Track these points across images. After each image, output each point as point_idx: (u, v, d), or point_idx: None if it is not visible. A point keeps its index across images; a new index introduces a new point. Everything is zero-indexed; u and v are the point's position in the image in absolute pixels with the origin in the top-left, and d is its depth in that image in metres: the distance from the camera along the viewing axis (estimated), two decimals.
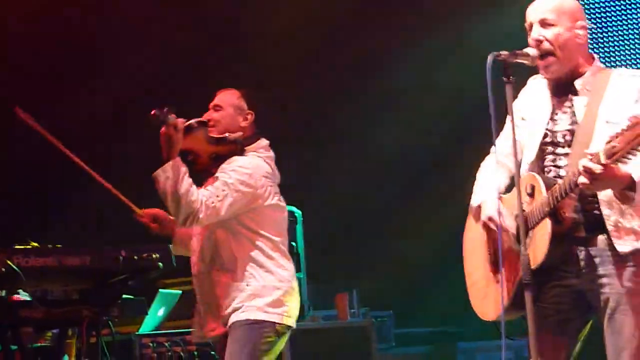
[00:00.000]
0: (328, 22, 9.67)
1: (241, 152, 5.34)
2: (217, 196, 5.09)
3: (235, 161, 5.27)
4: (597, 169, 4.01)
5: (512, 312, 4.43)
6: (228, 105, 5.35)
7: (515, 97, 4.48)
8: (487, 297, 4.67)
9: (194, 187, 5.07)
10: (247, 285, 5.28)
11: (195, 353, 6.30)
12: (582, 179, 4.05)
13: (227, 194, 5.13)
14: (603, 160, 3.99)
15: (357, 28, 9.82)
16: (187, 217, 5.05)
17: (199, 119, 5.33)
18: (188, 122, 5.23)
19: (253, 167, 5.23)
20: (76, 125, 9.26)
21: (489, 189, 4.64)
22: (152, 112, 5.08)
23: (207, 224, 5.20)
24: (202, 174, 5.25)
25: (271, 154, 5.34)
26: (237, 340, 5.26)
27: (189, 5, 10.06)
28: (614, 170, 4.08)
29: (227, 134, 5.32)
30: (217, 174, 5.24)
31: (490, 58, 4.31)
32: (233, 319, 5.26)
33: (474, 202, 4.69)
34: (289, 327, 5.35)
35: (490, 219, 4.50)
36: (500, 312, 4.36)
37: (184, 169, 5.09)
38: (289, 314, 5.32)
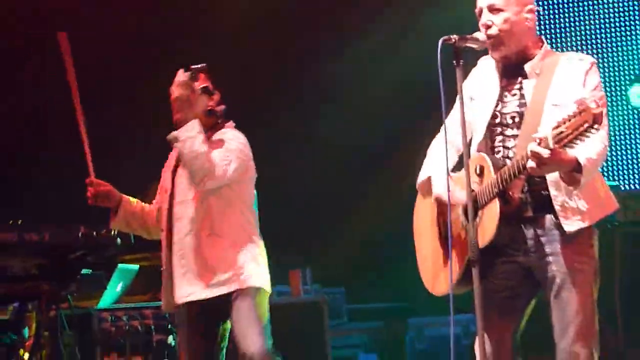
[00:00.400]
0: (280, 13, 9.55)
1: (222, 126, 5.44)
2: (224, 160, 5.17)
3: (229, 132, 5.36)
4: (545, 153, 4.05)
5: (461, 287, 4.45)
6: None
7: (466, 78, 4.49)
8: (437, 272, 4.66)
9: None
10: (240, 252, 5.35)
11: (152, 327, 6.28)
12: (531, 163, 4.09)
13: (232, 159, 5.22)
14: (551, 145, 4.03)
15: (309, 16, 9.69)
16: (204, 175, 5.11)
17: (203, 84, 5.37)
18: (203, 85, 5.33)
19: (244, 140, 5.34)
20: None
21: (437, 165, 4.66)
22: (192, 66, 5.17)
23: (216, 185, 5.24)
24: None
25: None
26: (243, 305, 5.32)
27: None
28: (561, 155, 4.11)
29: (216, 108, 5.41)
30: (215, 138, 5.33)
31: (440, 42, 4.32)
32: (234, 285, 5.31)
33: (422, 176, 4.72)
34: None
35: (438, 197, 4.54)
36: (449, 287, 4.39)
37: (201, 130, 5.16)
38: (269, 283, 5.45)
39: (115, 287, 6.40)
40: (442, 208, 4.58)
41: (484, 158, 4.45)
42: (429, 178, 4.64)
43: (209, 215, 5.31)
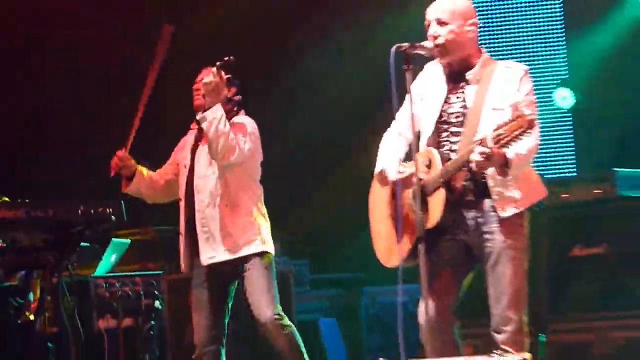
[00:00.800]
0: (254, 16, 9.28)
1: (237, 113, 5.54)
2: (241, 140, 5.30)
3: (243, 118, 5.49)
4: (486, 152, 4.11)
5: (410, 260, 4.47)
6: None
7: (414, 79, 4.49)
8: (389, 248, 4.67)
9: None
10: (252, 220, 5.48)
11: (141, 293, 6.26)
12: (475, 158, 4.16)
13: (247, 140, 5.33)
14: (490, 144, 4.08)
15: (280, 21, 9.46)
16: (227, 151, 5.21)
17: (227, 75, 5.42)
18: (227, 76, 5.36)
19: (255, 125, 5.47)
20: None
21: (390, 157, 4.66)
22: (226, 59, 5.20)
23: (236, 161, 5.34)
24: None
25: None
26: (255, 272, 5.43)
27: None
28: (498, 153, 4.16)
29: (233, 97, 5.54)
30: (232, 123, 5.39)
31: (393, 48, 4.35)
32: (249, 249, 5.43)
33: (377, 168, 4.70)
34: None
35: (393, 183, 4.54)
36: (399, 260, 4.44)
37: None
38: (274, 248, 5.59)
39: (109, 258, 6.35)
40: (395, 193, 4.57)
41: (432, 152, 4.47)
42: (383, 171, 4.66)
43: (226, 189, 5.40)
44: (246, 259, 5.44)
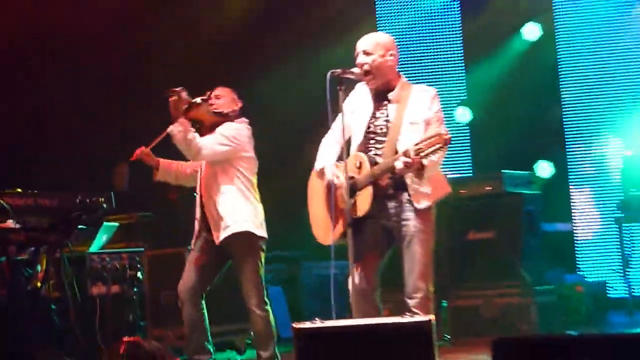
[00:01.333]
0: (216, 48, 8.88)
1: (231, 120, 5.38)
2: (216, 142, 5.16)
3: (229, 124, 5.31)
4: (409, 161, 4.20)
5: (341, 240, 4.51)
6: (227, 94, 5.38)
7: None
8: (324, 230, 4.66)
9: (197, 134, 5.14)
10: (237, 207, 5.26)
11: (127, 266, 6.17)
12: (399, 165, 4.25)
13: (224, 142, 5.19)
14: (412, 155, 4.17)
15: (238, 52, 9.07)
16: (195, 153, 5.10)
17: (202, 97, 5.29)
18: (194, 99, 5.23)
19: (239, 129, 5.31)
20: None
21: (328, 158, 4.67)
22: (171, 90, 5.13)
23: (208, 159, 5.23)
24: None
25: (247, 126, 5.40)
26: (243, 246, 5.26)
27: None
28: (418, 162, 4.24)
29: (223, 110, 5.36)
30: (217, 130, 5.26)
31: (329, 73, 4.41)
32: (233, 229, 5.22)
33: (316, 167, 4.72)
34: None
35: (330, 181, 4.55)
36: (333, 240, 4.49)
37: (190, 124, 5.13)
38: (260, 230, 5.37)
39: (101, 238, 6.20)
40: (330, 187, 4.57)
41: (362, 157, 4.50)
42: (322, 169, 4.67)
43: (216, 181, 5.24)
44: (233, 235, 5.23)
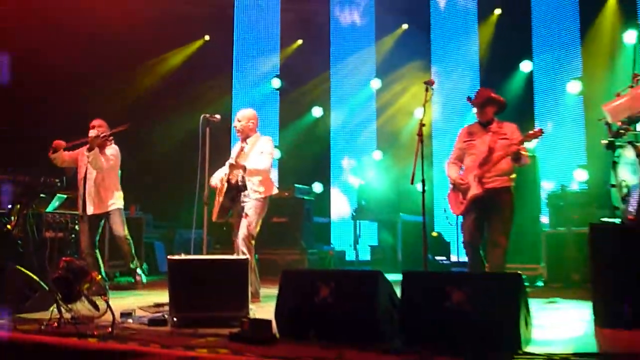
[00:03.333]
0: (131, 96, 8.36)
1: (109, 144, 5.69)
2: (107, 160, 5.49)
3: (110, 148, 5.65)
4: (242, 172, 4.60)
5: (223, 217, 4.73)
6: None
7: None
8: (215, 209, 4.77)
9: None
10: (113, 192, 5.64)
11: (68, 221, 5.86)
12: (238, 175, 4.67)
13: (111, 159, 5.63)
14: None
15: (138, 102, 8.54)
16: (98, 168, 5.48)
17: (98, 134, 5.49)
18: (97, 135, 5.49)
19: (115, 152, 5.65)
20: None
21: (220, 172, 4.89)
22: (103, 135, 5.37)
23: (106, 169, 5.56)
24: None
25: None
26: (117, 215, 5.80)
27: None
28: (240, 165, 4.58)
29: (100, 135, 5.57)
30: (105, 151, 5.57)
31: (202, 117, 4.42)
32: (112, 207, 5.66)
33: (218, 175, 4.91)
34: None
35: (215, 184, 4.83)
36: (215, 217, 4.67)
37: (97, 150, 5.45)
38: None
39: (55, 204, 5.99)
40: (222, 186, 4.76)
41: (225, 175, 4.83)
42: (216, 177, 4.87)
43: (101, 176, 5.60)
44: (110, 211, 5.66)
